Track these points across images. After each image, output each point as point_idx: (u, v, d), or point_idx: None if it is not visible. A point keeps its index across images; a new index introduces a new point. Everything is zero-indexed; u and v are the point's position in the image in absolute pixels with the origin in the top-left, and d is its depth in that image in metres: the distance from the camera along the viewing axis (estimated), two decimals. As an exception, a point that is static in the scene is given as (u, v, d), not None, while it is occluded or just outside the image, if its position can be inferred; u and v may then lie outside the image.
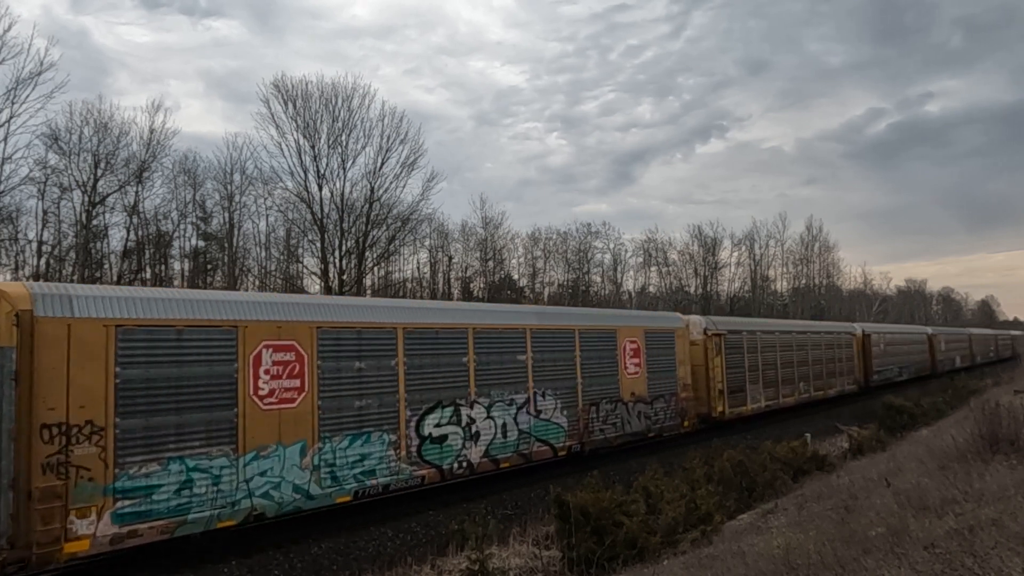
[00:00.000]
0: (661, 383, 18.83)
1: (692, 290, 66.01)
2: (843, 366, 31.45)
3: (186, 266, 42.65)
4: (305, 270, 42.18)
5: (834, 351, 30.62)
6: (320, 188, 36.90)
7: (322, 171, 36.88)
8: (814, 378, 28.17)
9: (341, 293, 35.44)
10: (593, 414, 16.32)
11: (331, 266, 37.16)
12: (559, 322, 16.17)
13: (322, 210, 36.92)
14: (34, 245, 34.58)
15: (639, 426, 17.63)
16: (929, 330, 48.26)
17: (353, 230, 37.59)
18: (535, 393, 14.82)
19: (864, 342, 34.27)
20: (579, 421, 15.91)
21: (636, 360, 17.95)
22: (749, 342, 23.51)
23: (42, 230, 34.78)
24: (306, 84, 37.14)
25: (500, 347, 14.32)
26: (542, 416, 15.00)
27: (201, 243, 42.85)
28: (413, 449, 12.22)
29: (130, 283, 36.93)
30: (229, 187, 41.30)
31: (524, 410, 14.54)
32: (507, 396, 14.22)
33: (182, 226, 41.07)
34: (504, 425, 14.09)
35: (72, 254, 35.35)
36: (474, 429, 13.48)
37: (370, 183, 37.79)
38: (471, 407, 13.46)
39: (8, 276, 33.40)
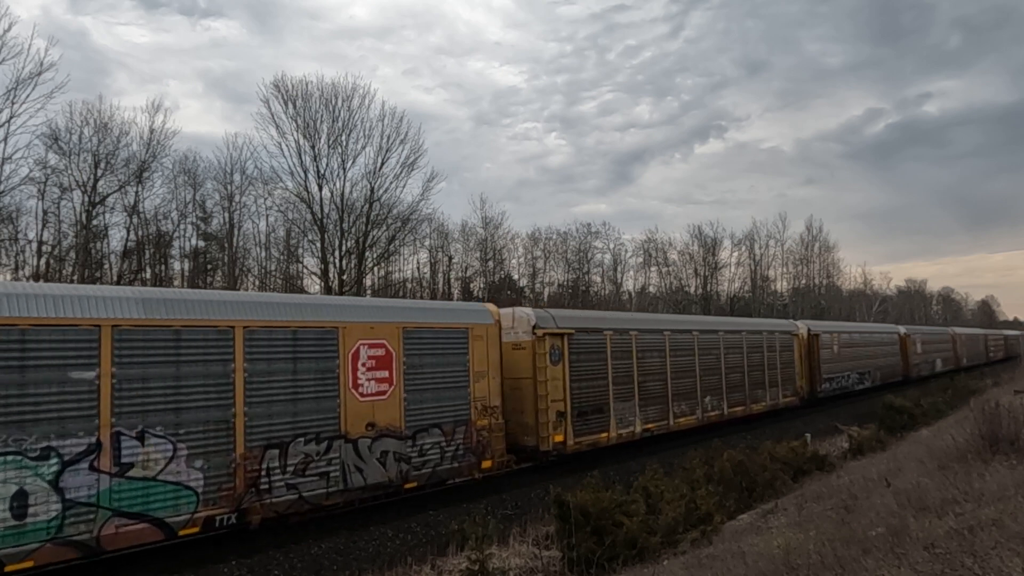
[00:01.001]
0: (436, 407, 12.99)
1: (692, 290, 66.03)
2: (778, 374, 25.34)
3: (186, 266, 42.66)
4: (305, 270, 42.22)
5: (763, 355, 24.53)
6: (320, 188, 36.93)
7: (322, 171, 36.91)
8: (730, 390, 22.14)
9: (341, 293, 35.44)
10: (273, 462, 10.55)
11: (331, 266, 37.16)
12: (197, 315, 10.07)
13: (322, 210, 36.93)
14: (34, 245, 34.60)
15: (382, 474, 11.97)
16: (902, 329, 41.49)
17: (353, 230, 37.58)
18: (117, 433, 9.05)
19: (811, 343, 28.50)
20: (237, 474, 10.12)
21: (382, 373, 12.16)
22: (618, 344, 17.70)
23: (42, 230, 34.81)
24: (306, 84, 37.18)
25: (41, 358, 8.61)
26: (135, 473, 9.17)
27: (201, 243, 42.86)
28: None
29: (130, 283, 36.94)
30: (229, 187, 41.34)
31: (84, 464, 8.77)
32: (30, 442, 8.39)
33: (182, 226, 41.10)
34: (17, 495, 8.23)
35: (72, 254, 35.35)
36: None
37: (370, 183, 37.83)
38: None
39: (8, 276, 33.41)
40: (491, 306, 15.02)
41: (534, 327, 15.44)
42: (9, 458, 8.23)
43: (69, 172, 33.88)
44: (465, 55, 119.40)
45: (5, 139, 28.83)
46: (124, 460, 9.12)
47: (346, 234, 37.33)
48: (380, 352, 12.21)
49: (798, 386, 26.98)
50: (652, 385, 18.84)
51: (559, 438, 15.46)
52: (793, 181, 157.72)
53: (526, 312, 15.89)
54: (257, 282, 43.61)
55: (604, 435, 16.89)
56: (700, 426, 20.65)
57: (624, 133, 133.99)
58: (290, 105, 36.71)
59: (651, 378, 18.84)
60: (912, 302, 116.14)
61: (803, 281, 75.99)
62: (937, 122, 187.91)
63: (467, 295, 51.05)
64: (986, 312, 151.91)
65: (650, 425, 18.59)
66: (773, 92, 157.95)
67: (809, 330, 28.93)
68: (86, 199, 34.06)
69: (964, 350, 54.97)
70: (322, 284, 37.37)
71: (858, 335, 34.43)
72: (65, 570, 8.86)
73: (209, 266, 43.16)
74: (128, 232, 37.44)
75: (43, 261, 34.97)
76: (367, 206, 37.62)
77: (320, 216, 36.94)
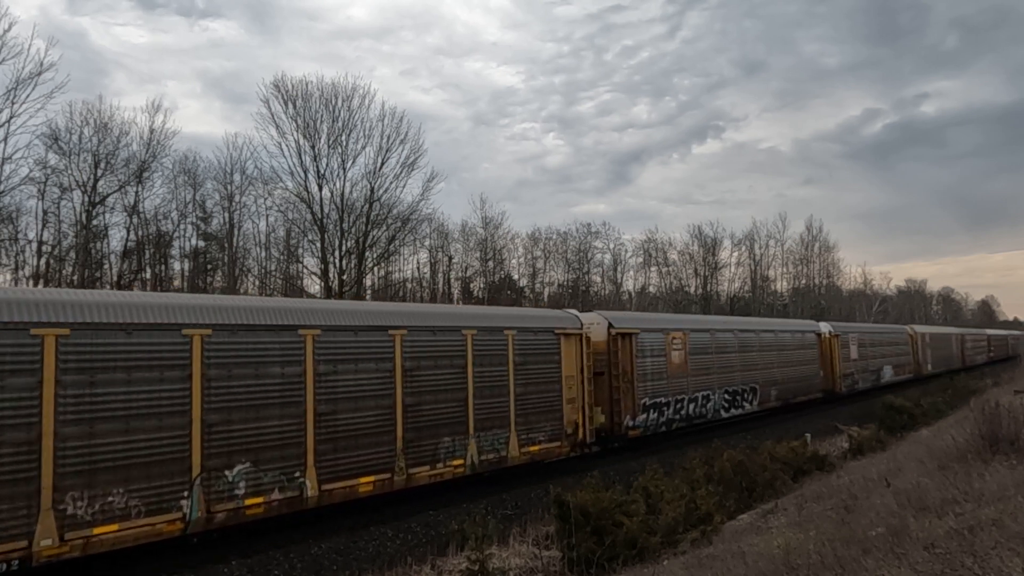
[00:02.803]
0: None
1: (692, 290, 66.04)
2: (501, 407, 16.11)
3: (186, 266, 42.71)
4: (305, 270, 42.23)
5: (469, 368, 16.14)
6: (320, 188, 36.93)
7: (322, 171, 36.91)
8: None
9: (341, 293, 35.45)
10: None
11: (331, 266, 37.15)
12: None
13: (322, 210, 36.92)
14: (34, 245, 34.63)
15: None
16: (825, 328, 30.25)
17: (353, 230, 37.58)
18: None
19: (614, 344, 17.70)
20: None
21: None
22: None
23: (42, 230, 34.83)
24: (306, 84, 37.19)
25: None
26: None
27: (201, 243, 42.89)
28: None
29: (130, 284, 36.96)
30: (229, 187, 41.37)
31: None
32: None
33: (182, 226, 41.15)
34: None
35: (72, 254, 35.38)
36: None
37: (370, 183, 37.83)
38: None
39: (8, 276, 33.45)
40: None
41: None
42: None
43: (69, 172, 33.95)
44: (463, 56, 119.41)
45: (5, 139, 28.88)
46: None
47: (346, 234, 37.34)
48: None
49: (568, 422, 15.76)
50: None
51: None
52: (792, 181, 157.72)
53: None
54: (257, 282, 43.64)
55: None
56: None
57: (622, 133, 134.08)
58: (290, 105, 36.76)
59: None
60: (912, 302, 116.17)
61: (803, 281, 76.05)
62: (935, 122, 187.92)
63: (467, 295, 51.06)
64: (986, 312, 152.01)
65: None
66: (771, 92, 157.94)
67: (610, 325, 17.91)
68: (86, 199, 34.09)
69: (933, 354, 43.62)
70: (322, 284, 37.38)
71: (722, 335, 22.50)
72: (65, 570, 8.87)
73: (209, 266, 43.19)
74: (128, 232, 37.50)
75: (43, 261, 35.01)
76: (367, 206, 37.64)
77: (320, 216, 36.95)
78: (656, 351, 18.99)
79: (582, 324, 16.38)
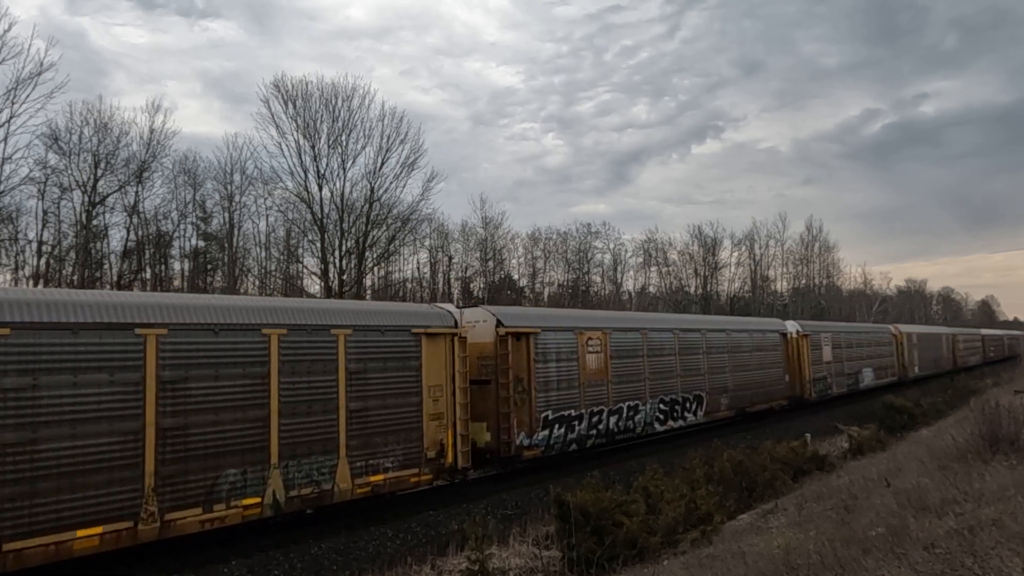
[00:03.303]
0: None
1: (692, 290, 66.03)
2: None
3: (186, 266, 42.71)
4: (305, 270, 42.23)
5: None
6: (320, 188, 36.94)
7: (322, 171, 36.92)
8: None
9: (341, 293, 35.45)
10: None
11: (331, 266, 37.15)
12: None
13: (322, 210, 36.93)
14: (34, 245, 34.63)
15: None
16: (792, 327, 26.79)
17: (353, 230, 37.58)
18: None
19: (503, 346, 14.61)
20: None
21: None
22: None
23: (42, 230, 34.83)
24: (306, 84, 37.20)
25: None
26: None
27: (201, 243, 42.90)
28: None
29: (130, 283, 36.96)
30: (229, 187, 41.38)
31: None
32: None
33: (182, 226, 41.15)
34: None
35: (72, 254, 35.38)
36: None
37: (370, 183, 37.83)
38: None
39: (8, 276, 33.45)
40: None
41: None
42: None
43: (69, 172, 33.95)
44: (462, 56, 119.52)
45: (5, 139, 28.89)
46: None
47: (346, 234, 37.35)
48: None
49: (431, 443, 13.62)
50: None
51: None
52: (792, 181, 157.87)
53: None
54: (257, 282, 43.63)
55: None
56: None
57: (621, 133, 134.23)
58: (290, 105, 36.77)
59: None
60: (912, 302, 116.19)
61: (803, 281, 76.05)
62: (935, 122, 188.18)
63: (467, 295, 51.06)
64: (986, 312, 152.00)
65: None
66: (770, 92, 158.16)
67: (499, 322, 14.86)
68: (86, 199, 34.09)
69: (914, 356, 39.88)
70: (322, 284, 37.38)
71: (667, 335, 19.41)
72: (64, 570, 8.87)
73: (209, 266, 43.19)
74: (128, 232, 37.50)
75: (43, 261, 35.01)
76: (367, 206, 37.64)
77: (320, 216, 36.95)
78: (564, 354, 15.80)
79: (456, 321, 13.47)
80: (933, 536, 6.40)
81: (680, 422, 19.34)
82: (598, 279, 62.54)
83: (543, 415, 14.99)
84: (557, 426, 15.30)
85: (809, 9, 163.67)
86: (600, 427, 16.45)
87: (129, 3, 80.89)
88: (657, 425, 18.42)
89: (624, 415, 17.24)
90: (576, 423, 15.77)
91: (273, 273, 44.98)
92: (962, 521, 6.71)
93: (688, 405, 19.76)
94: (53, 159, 33.46)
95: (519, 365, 14.60)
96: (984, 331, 72.25)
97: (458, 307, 14.69)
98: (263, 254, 45.33)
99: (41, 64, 28.91)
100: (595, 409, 16.36)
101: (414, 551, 10.84)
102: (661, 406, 18.64)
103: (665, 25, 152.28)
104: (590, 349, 16.39)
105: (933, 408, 26.88)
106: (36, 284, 33.04)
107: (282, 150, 36.82)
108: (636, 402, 17.75)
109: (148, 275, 39.66)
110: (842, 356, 30.28)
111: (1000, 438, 10.35)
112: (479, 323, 14.60)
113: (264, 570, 9.88)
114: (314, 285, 40.38)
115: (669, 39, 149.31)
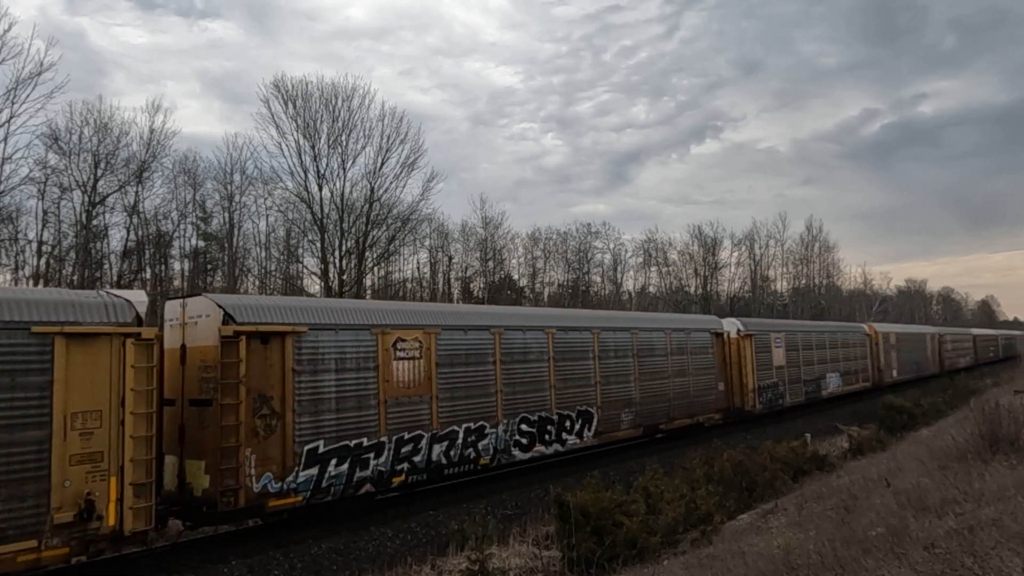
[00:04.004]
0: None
1: (692, 290, 66.02)
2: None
3: (186, 266, 42.68)
4: (305, 270, 42.20)
5: None
6: (320, 188, 36.90)
7: (322, 171, 36.88)
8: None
9: (341, 293, 35.44)
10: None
11: (331, 266, 37.15)
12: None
13: (322, 210, 36.91)
14: (34, 245, 34.60)
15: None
16: (730, 326, 23.30)
17: (353, 230, 37.57)
18: None
19: (230, 352, 10.56)
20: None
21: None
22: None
23: (42, 230, 34.80)
24: (306, 84, 37.14)
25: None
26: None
27: (201, 243, 42.85)
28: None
29: (130, 283, 36.95)
30: (229, 187, 41.35)
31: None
32: None
33: (182, 226, 41.11)
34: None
35: (72, 254, 35.36)
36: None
37: (370, 183, 37.80)
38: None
39: (8, 276, 33.45)
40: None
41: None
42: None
43: (69, 172, 33.91)
44: (462, 56, 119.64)
45: (5, 139, 28.84)
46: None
47: (346, 234, 37.33)
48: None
49: (67, 500, 8.49)
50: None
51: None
52: (792, 181, 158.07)
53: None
54: (257, 282, 43.62)
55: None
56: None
57: (621, 133, 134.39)
58: (290, 105, 36.72)
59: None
60: (912, 302, 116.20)
61: (803, 281, 76.04)
62: (934, 122, 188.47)
63: (467, 295, 51.06)
64: (986, 312, 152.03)
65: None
66: (769, 92, 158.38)
67: (228, 317, 11.08)
68: (86, 199, 34.07)
69: (892, 358, 36.17)
70: (322, 284, 37.38)
71: (537, 334, 15.61)
72: (63, 570, 8.87)
73: (209, 266, 43.17)
74: (128, 232, 37.48)
75: (43, 261, 35.00)
76: (367, 206, 37.62)
77: (320, 216, 36.94)
78: (353, 362, 11.81)
79: (137, 316, 9.22)
80: (933, 536, 6.40)
81: (555, 447, 15.48)
82: (598, 279, 62.61)
83: (308, 447, 10.94)
84: (335, 462, 11.30)
85: (808, 9, 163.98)
86: (416, 459, 12.57)
87: (128, 3, 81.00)
88: (517, 452, 14.62)
89: (459, 442, 13.38)
90: (370, 456, 11.84)
91: (273, 273, 44.98)
92: (962, 521, 6.71)
93: (568, 425, 15.90)
94: (53, 159, 33.46)
95: (264, 378, 10.61)
96: (976, 331, 67.92)
97: (181, 297, 11.44)
98: (263, 254, 45.34)
99: (41, 64, 28.88)
100: (407, 436, 12.49)
101: (414, 551, 10.85)
102: (523, 427, 14.80)
103: (664, 25, 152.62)
104: (401, 354, 12.56)
105: (933, 408, 26.91)
106: (36, 284, 33.04)
107: (282, 150, 36.82)
108: (482, 423, 13.90)
109: (148, 275, 39.65)
110: (799, 359, 26.43)
111: (1000, 438, 10.36)
112: (201, 318, 10.81)
113: (264, 570, 9.88)
114: (314, 285, 40.41)
115: (668, 39, 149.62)
